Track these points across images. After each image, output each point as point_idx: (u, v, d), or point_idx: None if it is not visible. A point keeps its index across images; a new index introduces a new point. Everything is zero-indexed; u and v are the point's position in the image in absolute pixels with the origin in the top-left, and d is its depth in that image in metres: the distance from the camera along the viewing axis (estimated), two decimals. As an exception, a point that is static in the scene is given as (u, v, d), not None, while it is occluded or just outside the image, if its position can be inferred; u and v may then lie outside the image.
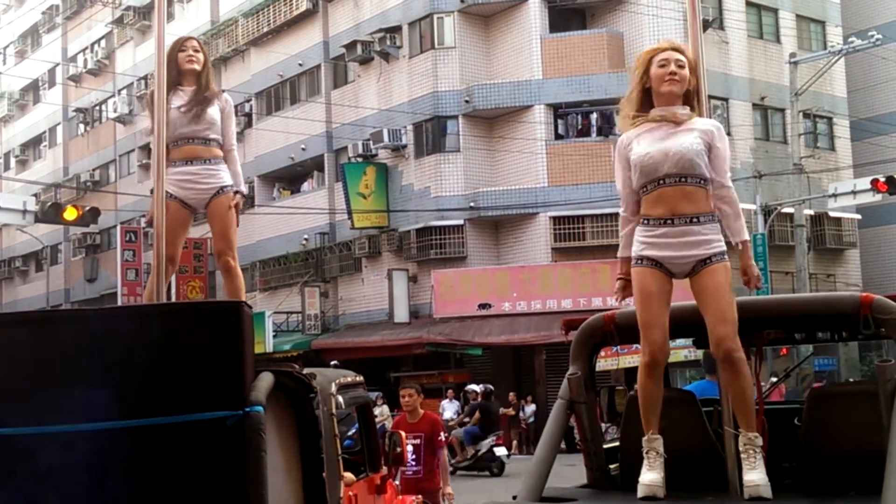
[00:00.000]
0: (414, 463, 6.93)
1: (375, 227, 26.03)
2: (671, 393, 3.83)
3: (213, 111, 4.71)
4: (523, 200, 24.19)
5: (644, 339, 3.51)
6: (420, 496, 6.71)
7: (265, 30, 29.54)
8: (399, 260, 25.53)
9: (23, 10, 40.38)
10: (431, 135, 25.43)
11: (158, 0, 4.44)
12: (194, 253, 27.76)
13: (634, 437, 3.61)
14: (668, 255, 3.53)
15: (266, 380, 3.20)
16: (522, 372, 24.50)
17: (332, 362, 18.94)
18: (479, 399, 19.54)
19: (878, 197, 21.05)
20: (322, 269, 27.78)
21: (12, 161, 41.83)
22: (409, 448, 6.84)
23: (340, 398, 4.40)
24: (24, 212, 17.33)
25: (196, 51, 4.74)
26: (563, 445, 4.01)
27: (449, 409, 21.98)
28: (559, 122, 24.88)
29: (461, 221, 24.62)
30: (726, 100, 24.53)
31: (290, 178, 29.86)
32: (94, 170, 36.73)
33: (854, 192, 21.42)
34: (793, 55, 24.24)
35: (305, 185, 29.43)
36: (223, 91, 5.02)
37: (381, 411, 18.05)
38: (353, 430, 6.20)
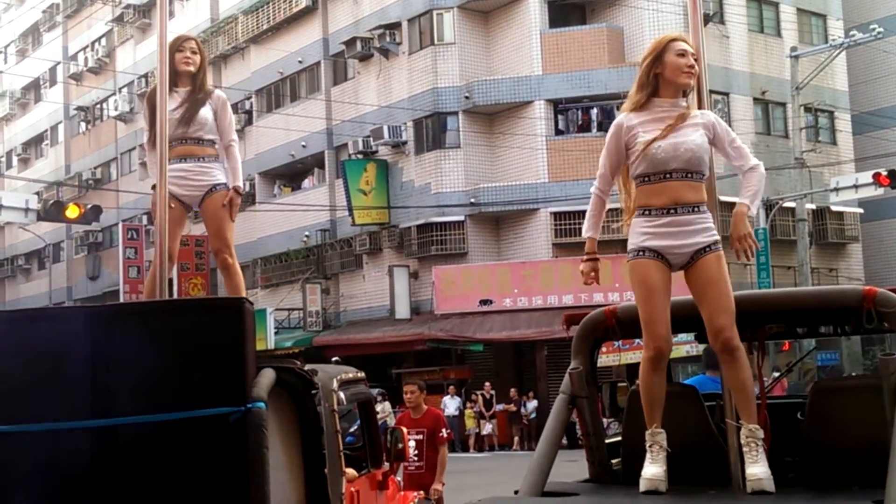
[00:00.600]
0: (416, 458, 6.94)
1: (376, 224, 26.03)
2: (673, 388, 3.83)
3: (206, 112, 4.74)
4: (524, 196, 24.18)
5: (648, 334, 3.48)
6: (422, 492, 6.71)
7: (265, 27, 29.53)
8: (400, 256, 25.54)
9: (23, 8, 40.37)
10: (431, 131, 25.42)
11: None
12: (196, 250, 27.81)
13: (636, 432, 3.61)
14: (670, 244, 3.50)
15: (268, 376, 3.20)
16: (524, 368, 24.52)
17: (334, 359, 18.89)
18: None
19: (880, 191, 21.04)
20: (323, 266, 27.79)
21: (14, 159, 41.86)
22: (412, 444, 6.85)
23: (342, 394, 4.40)
24: (27, 210, 17.36)
25: (194, 52, 4.75)
26: (564, 441, 4.00)
27: (450, 405, 22.01)
28: (559, 117, 24.87)
29: (462, 217, 24.62)
30: (727, 94, 24.50)
31: (291, 175, 29.87)
32: (95, 168, 36.76)
33: (856, 186, 21.42)
34: (794, 49, 24.21)
35: (306, 182, 29.44)
36: (216, 87, 5.02)
37: (383, 408, 18.06)
38: (355, 427, 6.20)
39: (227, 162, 4.89)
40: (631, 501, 3.46)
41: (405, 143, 25.75)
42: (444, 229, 24.77)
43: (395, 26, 26.01)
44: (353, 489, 4.66)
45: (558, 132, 24.74)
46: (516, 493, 3.58)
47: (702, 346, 3.70)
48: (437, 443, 7.03)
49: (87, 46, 37.42)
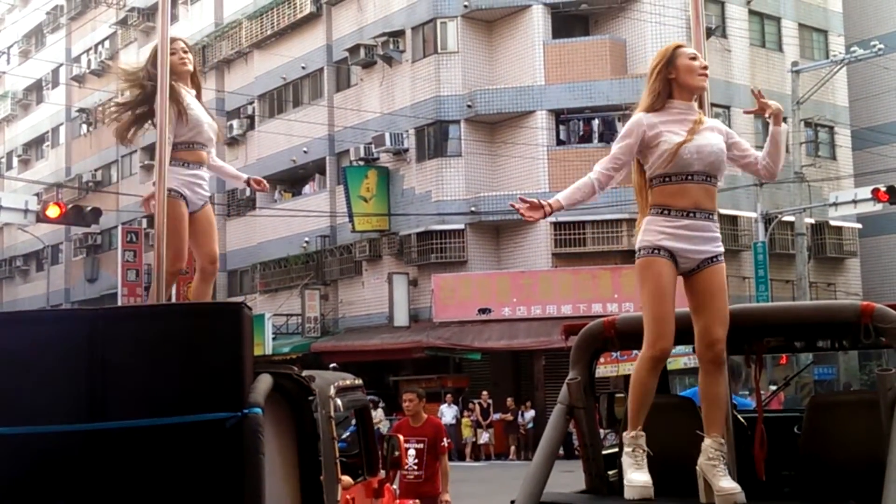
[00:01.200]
0: (415, 467, 6.92)
1: (376, 231, 26.04)
2: (671, 399, 3.83)
3: (209, 116, 4.76)
4: (524, 206, 24.16)
5: (654, 332, 3.41)
6: (418, 501, 6.69)
7: (268, 32, 29.58)
8: (399, 264, 25.53)
9: (27, 10, 40.44)
10: (433, 139, 25.45)
11: (162, 2, 4.45)
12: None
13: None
14: (685, 247, 3.48)
15: (265, 382, 3.20)
16: (522, 377, 24.49)
17: (331, 365, 18.90)
18: None
19: (879, 206, 21.05)
20: (322, 272, 27.78)
21: (15, 160, 41.87)
22: (412, 452, 6.83)
23: (339, 401, 4.40)
24: (26, 211, 17.35)
25: (185, 52, 4.75)
26: (561, 451, 4.00)
27: (448, 413, 21.97)
28: (561, 127, 24.90)
29: (462, 226, 24.63)
30: (728, 107, 24.54)
31: (292, 180, 29.88)
32: (96, 170, 36.77)
33: (855, 202, 21.43)
34: (795, 64, 24.27)
35: (307, 188, 29.45)
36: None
37: (375, 415, 18.03)
38: (351, 433, 6.19)
39: (225, 166, 4.92)
40: (627, 513, 3.45)
41: (406, 150, 25.78)
42: (444, 237, 24.78)
43: (398, 34, 26.06)
44: (348, 496, 4.65)
45: (560, 142, 24.77)
46: (513, 503, 3.58)
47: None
48: (438, 452, 7.01)
49: (90, 49, 37.47)
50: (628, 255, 19.96)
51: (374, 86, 26.85)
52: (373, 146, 25.95)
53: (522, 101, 24.56)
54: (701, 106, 3.73)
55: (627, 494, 3.37)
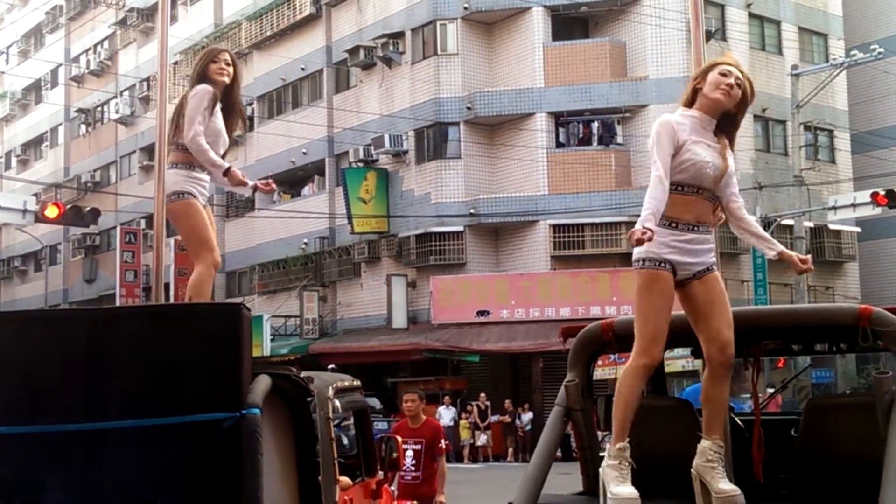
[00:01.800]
0: (413, 468, 6.91)
1: (375, 233, 26.04)
2: (668, 402, 3.83)
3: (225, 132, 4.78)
4: (523, 208, 24.20)
5: (651, 342, 3.42)
6: (416, 502, 6.69)
7: (268, 33, 29.59)
8: (398, 265, 25.53)
9: (26, 9, 40.42)
10: (432, 141, 25.46)
11: (162, 2, 4.45)
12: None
13: (632, 444, 3.60)
14: (686, 260, 3.52)
15: (263, 382, 3.20)
16: (520, 379, 24.49)
17: (330, 366, 18.91)
18: None
19: (878, 210, 21.06)
20: (321, 274, 27.77)
21: (13, 160, 41.85)
22: (410, 453, 6.83)
23: (337, 402, 4.39)
24: (24, 211, 17.32)
25: (228, 64, 4.73)
26: (558, 453, 4.00)
27: (446, 415, 21.96)
28: (560, 130, 24.91)
29: (461, 228, 24.63)
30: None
31: (291, 181, 29.87)
32: (94, 170, 36.74)
33: (854, 205, 21.43)
34: (794, 67, 24.29)
35: (306, 189, 29.45)
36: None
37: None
38: (350, 435, 6.19)
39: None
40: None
41: (406, 152, 25.79)
42: (442, 239, 24.78)
43: (398, 36, 26.07)
44: (346, 497, 4.64)
45: (559, 145, 24.78)
46: (510, 504, 3.58)
47: (697, 362, 3.69)
48: (436, 453, 7.01)
49: (89, 49, 37.46)
50: (627, 258, 19.96)
51: (373, 87, 26.86)
52: (372, 148, 25.96)
53: (522, 104, 24.58)
54: (738, 118, 3.65)
55: None
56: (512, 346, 22.99)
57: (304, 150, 28.34)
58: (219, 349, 3.10)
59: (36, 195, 31.16)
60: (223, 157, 4.71)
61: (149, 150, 32.30)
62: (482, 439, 22.84)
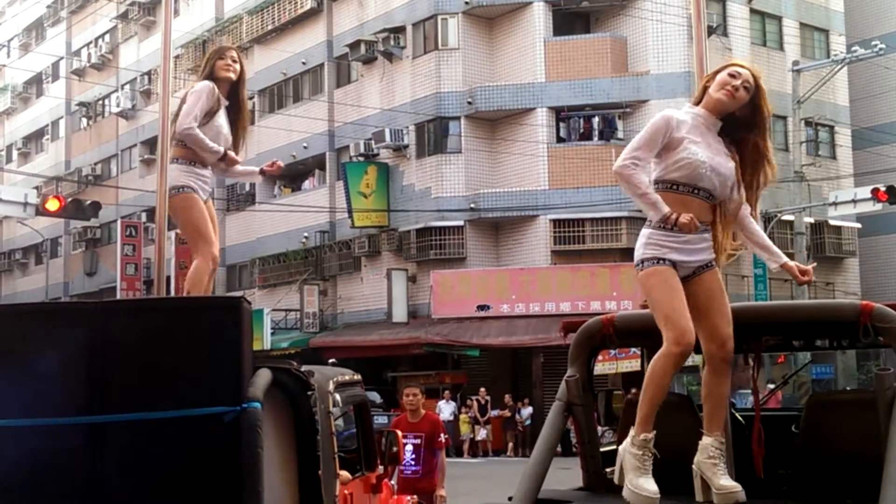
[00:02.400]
0: (413, 462, 6.92)
1: (375, 227, 26.03)
2: (669, 397, 3.83)
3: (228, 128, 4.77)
4: (524, 203, 24.19)
5: (678, 327, 3.35)
6: (416, 496, 6.70)
7: (269, 28, 29.55)
8: (398, 260, 25.53)
9: (28, 3, 40.36)
10: (433, 135, 25.44)
11: (164, -4, 4.45)
12: (194, 249, 27.69)
13: (632, 440, 3.59)
14: (686, 259, 3.52)
15: (264, 376, 3.20)
16: (520, 374, 24.50)
17: (330, 361, 18.91)
18: None
19: (879, 206, 21.04)
20: (321, 268, 27.78)
21: (14, 154, 41.83)
22: (409, 448, 6.84)
23: (338, 396, 4.39)
24: (25, 204, 17.32)
25: (234, 60, 4.79)
26: (558, 448, 4.00)
27: (445, 410, 21.98)
28: (561, 125, 24.89)
29: (461, 222, 24.62)
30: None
31: (292, 175, 29.84)
32: (95, 164, 36.73)
33: (854, 201, 21.41)
34: (796, 63, 24.25)
35: (306, 183, 29.44)
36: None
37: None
38: (350, 428, 6.19)
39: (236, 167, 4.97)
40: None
41: (406, 146, 25.77)
42: (443, 234, 24.78)
43: (399, 30, 26.04)
44: (346, 492, 4.65)
45: (560, 140, 24.76)
46: (510, 499, 3.59)
47: (697, 358, 3.69)
48: (435, 447, 7.01)
49: (90, 42, 37.41)
50: (627, 253, 19.97)
51: (374, 82, 26.83)
52: (373, 142, 25.94)
53: (523, 98, 24.55)
54: (761, 119, 3.62)
55: (631, 499, 3.30)
56: (512, 340, 23.00)
57: (305, 144, 28.32)
58: (219, 343, 3.10)
59: (37, 188, 31.15)
60: (225, 155, 4.74)
61: (150, 144, 32.28)
62: (482, 434, 22.86)
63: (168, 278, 26.22)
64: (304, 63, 28.76)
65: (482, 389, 23.29)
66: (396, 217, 25.63)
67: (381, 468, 5.66)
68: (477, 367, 24.57)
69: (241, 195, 30.82)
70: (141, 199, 29.84)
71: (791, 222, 24.07)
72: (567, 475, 4.35)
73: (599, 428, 4.28)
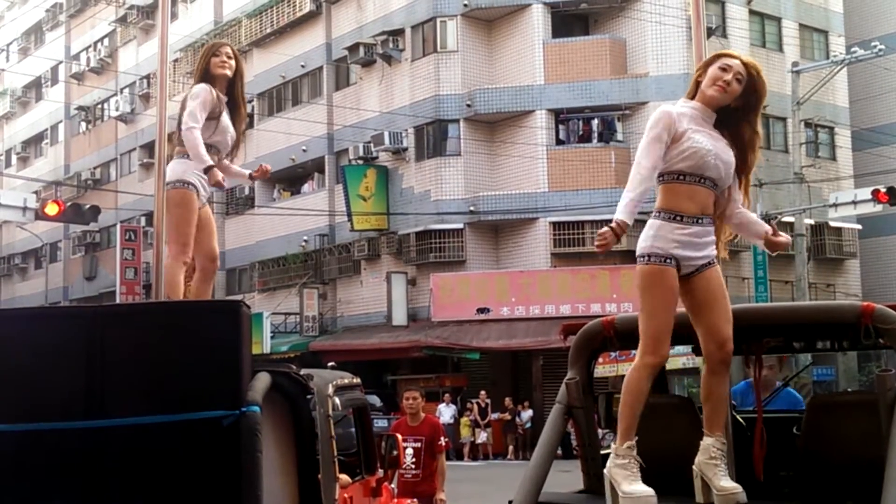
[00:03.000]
0: (413, 466, 6.91)
1: (375, 230, 26.04)
2: (669, 399, 3.82)
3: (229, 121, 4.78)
4: (523, 205, 24.20)
5: (659, 341, 3.38)
6: (416, 500, 6.69)
7: (268, 31, 29.57)
8: (398, 263, 25.53)
9: (27, 7, 40.41)
10: (432, 138, 25.45)
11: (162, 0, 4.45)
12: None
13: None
14: (690, 254, 3.47)
15: (263, 380, 3.20)
16: (520, 377, 24.49)
17: (329, 364, 18.89)
18: None
19: (879, 207, 21.04)
20: (321, 271, 27.78)
21: (13, 158, 41.85)
22: (409, 451, 6.82)
23: (337, 400, 4.38)
24: (25, 209, 17.32)
25: (229, 57, 4.76)
26: (558, 451, 4.00)
27: (446, 413, 21.97)
28: (560, 127, 24.90)
29: (461, 225, 24.62)
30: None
31: (291, 179, 29.87)
32: (94, 168, 36.76)
33: (854, 203, 21.41)
34: (795, 64, 24.26)
35: (306, 187, 29.44)
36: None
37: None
38: (350, 432, 6.17)
39: (231, 166, 4.95)
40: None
41: (406, 149, 25.77)
42: (442, 237, 24.78)
43: (398, 33, 26.05)
44: (346, 495, 4.64)
45: (559, 142, 24.78)
46: (510, 503, 3.57)
47: (698, 359, 3.68)
48: (435, 451, 7.00)
49: (89, 46, 37.44)
50: (627, 256, 19.95)
51: (373, 84, 26.84)
52: (372, 145, 25.95)
53: (522, 101, 24.57)
54: (748, 110, 3.60)
55: None
56: (512, 343, 22.99)
57: (304, 148, 28.34)
58: (218, 347, 3.10)
59: (36, 192, 31.19)
60: (232, 151, 4.78)
61: (149, 148, 32.27)
62: (482, 437, 22.84)
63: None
64: (302, 66, 28.78)
65: (482, 392, 23.28)
66: (396, 220, 25.63)
67: (381, 472, 5.65)
68: (477, 370, 24.56)
69: (240, 199, 30.83)
70: (140, 203, 29.85)
71: (791, 224, 24.05)
72: (567, 478, 4.34)
73: (600, 430, 4.26)
